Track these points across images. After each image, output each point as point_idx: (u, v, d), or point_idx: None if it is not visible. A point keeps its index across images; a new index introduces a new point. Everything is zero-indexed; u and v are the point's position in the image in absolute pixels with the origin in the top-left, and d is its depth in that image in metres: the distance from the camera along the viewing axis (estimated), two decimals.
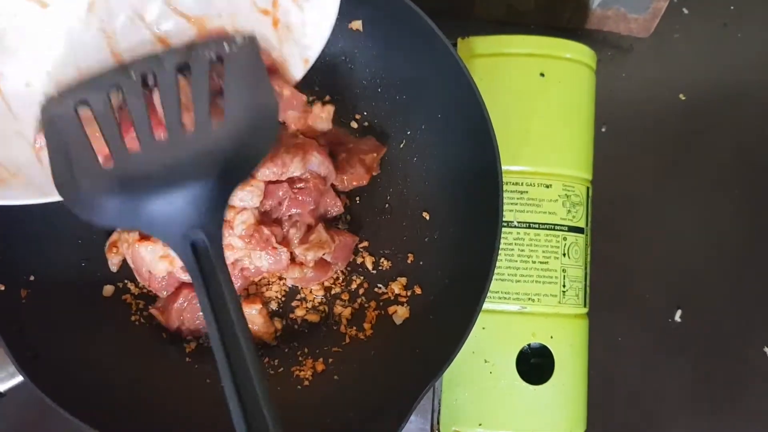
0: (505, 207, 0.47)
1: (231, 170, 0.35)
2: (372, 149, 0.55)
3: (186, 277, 0.51)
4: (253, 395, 0.33)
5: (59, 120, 0.36)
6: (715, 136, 0.65)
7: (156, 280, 0.52)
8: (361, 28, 0.54)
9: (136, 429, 0.48)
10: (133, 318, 0.54)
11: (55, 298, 0.51)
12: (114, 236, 0.53)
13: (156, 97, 0.37)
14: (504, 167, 0.47)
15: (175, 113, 0.35)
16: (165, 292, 0.53)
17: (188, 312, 0.52)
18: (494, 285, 0.54)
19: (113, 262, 0.54)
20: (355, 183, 0.54)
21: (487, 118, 0.47)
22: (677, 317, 0.63)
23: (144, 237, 0.50)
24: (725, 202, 0.65)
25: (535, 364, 0.54)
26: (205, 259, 0.34)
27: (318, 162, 0.50)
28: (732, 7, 0.67)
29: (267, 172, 0.45)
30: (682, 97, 0.66)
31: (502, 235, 0.48)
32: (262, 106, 0.37)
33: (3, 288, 0.48)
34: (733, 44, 0.67)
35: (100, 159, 0.35)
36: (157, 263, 0.50)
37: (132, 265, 0.52)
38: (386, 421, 0.46)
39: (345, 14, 0.54)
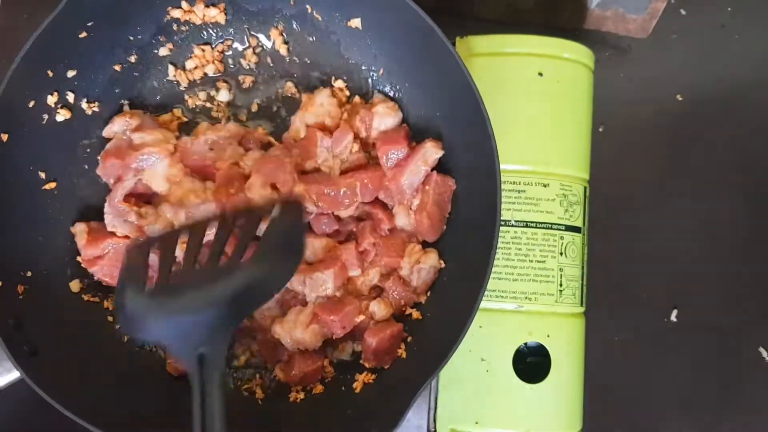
0: (502, 206, 0.47)
1: (241, 305, 0.43)
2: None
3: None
4: None
5: (135, 253, 0.45)
6: (711, 137, 0.66)
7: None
8: (360, 26, 0.54)
9: (131, 425, 0.48)
10: None
11: (52, 294, 0.51)
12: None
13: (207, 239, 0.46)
14: (502, 166, 0.48)
15: (217, 257, 0.44)
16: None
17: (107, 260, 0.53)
18: (491, 283, 0.54)
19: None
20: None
21: (485, 116, 0.47)
22: (673, 317, 0.63)
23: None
24: (722, 202, 0.65)
25: (531, 363, 0.54)
26: (206, 370, 0.41)
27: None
28: (729, 9, 0.68)
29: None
30: (679, 97, 0.66)
31: (500, 234, 0.48)
32: (286, 258, 0.45)
33: (0, 284, 0.48)
34: (731, 45, 0.67)
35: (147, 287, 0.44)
36: None
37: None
38: (382, 422, 0.46)
39: (344, 11, 0.54)
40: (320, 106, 0.55)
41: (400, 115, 0.55)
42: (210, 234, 0.45)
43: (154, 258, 0.44)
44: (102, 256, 0.52)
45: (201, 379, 0.40)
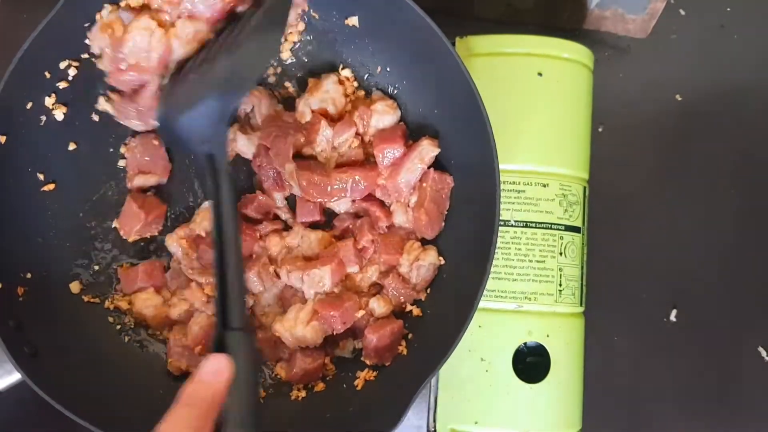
0: (502, 206, 0.47)
1: (233, 87, 0.47)
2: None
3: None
4: (233, 281, 0.43)
5: None
6: (711, 137, 0.66)
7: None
8: (357, 24, 0.54)
9: (132, 425, 0.48)
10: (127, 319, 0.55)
11: (52, 295, 0.52)
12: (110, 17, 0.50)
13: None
14: (501, 166, 0.48)
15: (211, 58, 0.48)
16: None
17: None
18: (491, 283, 0.54)
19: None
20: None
21: (485, 116, 0.47)
22: (672, 317, 0.63)
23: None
24: (721, 202, 0.65)
25: (531, 363, 0.54)
26: (216, 163, 0.46)
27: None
28: (728, 9, 0.67)
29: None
30: (678, 97, 0.66)
31: (499, 234, 0.48)
32: (268, 31, 0.48)
33: (0, 286, 0.48)
34: (730, 45, 0.67)
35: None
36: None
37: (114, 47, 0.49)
38: (383, 419, 0.46)
39: (341, 10, 0.54)
40: (326, 92, 0.55)
41: (398, 114, 0.55)
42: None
43: None
44: None
45: (212, 170, 0.46)
